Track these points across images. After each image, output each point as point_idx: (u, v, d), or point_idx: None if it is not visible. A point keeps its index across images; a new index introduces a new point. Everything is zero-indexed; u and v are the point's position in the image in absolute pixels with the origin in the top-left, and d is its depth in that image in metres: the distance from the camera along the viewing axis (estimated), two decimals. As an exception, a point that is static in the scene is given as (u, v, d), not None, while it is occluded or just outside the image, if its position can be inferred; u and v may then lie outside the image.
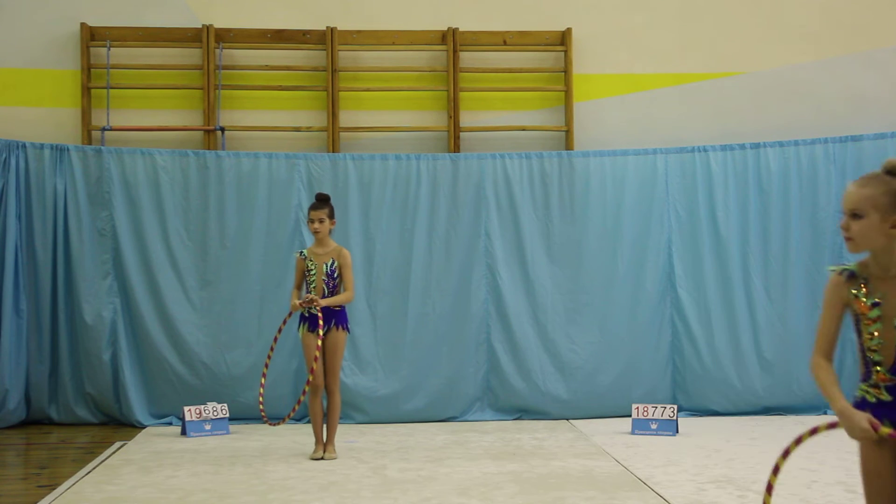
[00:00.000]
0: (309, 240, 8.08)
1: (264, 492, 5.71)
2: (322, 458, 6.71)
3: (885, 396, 3.04)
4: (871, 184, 3.00)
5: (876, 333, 3.03)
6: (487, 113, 9.07)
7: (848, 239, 3.04)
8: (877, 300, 3.02)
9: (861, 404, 3.07)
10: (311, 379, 6.62)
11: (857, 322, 3.11)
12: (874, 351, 3.05)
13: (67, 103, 8.80)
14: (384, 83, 9.04)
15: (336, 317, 6.79)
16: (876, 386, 3.07)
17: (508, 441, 7.45)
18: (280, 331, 7.09)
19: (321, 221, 6.80)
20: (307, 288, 6.84)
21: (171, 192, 8.50)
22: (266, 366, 7.14)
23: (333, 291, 6.79)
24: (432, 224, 8.65)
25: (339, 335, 6.79)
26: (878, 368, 3.06)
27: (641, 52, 9.16)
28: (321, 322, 6.65)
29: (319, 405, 6.82)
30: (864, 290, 3.06)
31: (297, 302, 6.73)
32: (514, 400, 8.57)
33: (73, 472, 6.28)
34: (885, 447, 3.03)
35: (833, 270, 3.12)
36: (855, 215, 2.99)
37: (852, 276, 3.07)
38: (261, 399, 7.10)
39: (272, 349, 7.15)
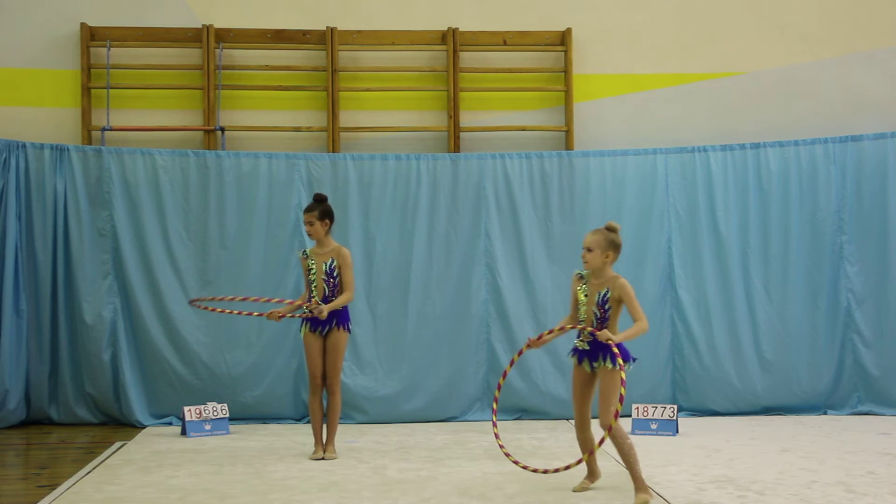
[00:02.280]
0: (308, 240, 8.09)
1: (264, 492, 5.71)
2: (322, 458, 6.72)
3: None
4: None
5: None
6: (487, 113, 9.08)
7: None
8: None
9: None
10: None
11: None
12: None
13: (67, 103, 8.80)
14: (384, 83, 9.05)
15: (337, 316, 6.78)
16: None
17: (508, 441, 7.43)
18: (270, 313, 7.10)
19: (311, 224, 6.81)
20: (308, 287, 6.85)
21: (171, 192, 8.51)
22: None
23: (334, 290, 6.79)
24: (432, 224, 8.65)
25: (339, 335, 6.79)
26: None
27: (641, 52, 9.16)
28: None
29: (319, 405, 6.82)
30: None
31: (306, 305, 6.75)
32: (514, 400, 8.56)
33: (73, 472, 6.27)
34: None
35: None
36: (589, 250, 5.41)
37: None
38: None
39: (239, 306, 7.29)
